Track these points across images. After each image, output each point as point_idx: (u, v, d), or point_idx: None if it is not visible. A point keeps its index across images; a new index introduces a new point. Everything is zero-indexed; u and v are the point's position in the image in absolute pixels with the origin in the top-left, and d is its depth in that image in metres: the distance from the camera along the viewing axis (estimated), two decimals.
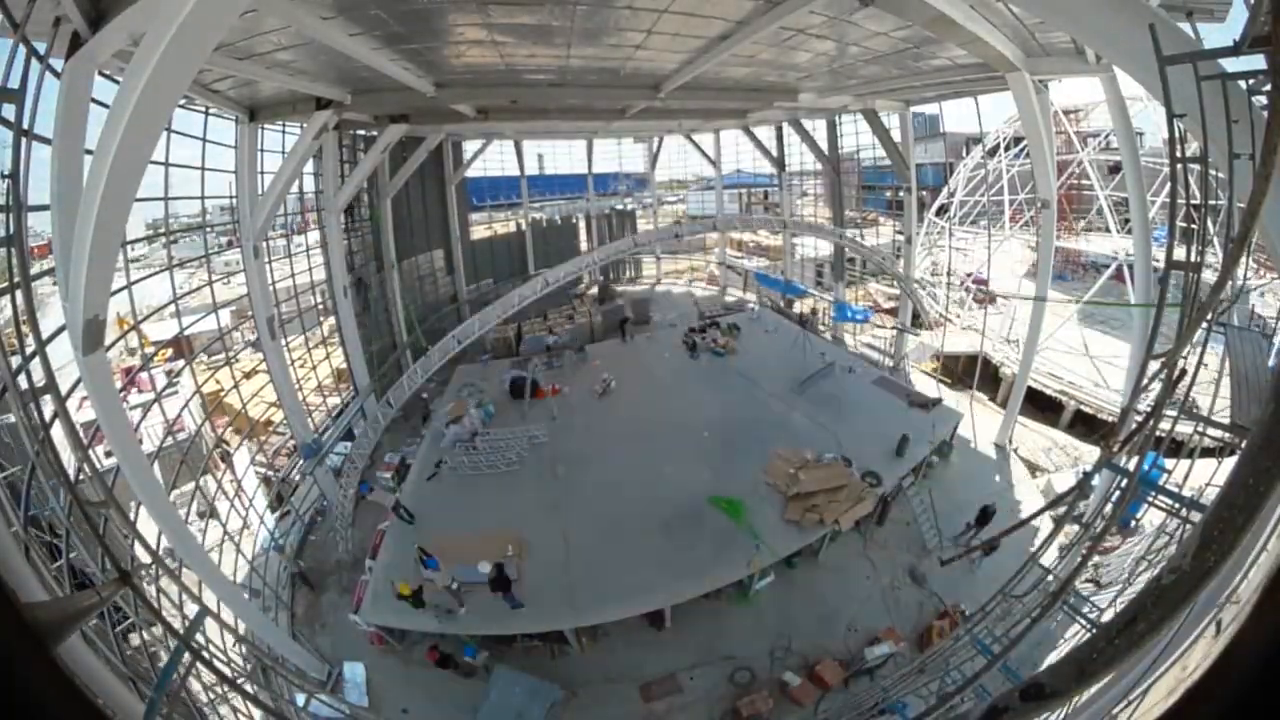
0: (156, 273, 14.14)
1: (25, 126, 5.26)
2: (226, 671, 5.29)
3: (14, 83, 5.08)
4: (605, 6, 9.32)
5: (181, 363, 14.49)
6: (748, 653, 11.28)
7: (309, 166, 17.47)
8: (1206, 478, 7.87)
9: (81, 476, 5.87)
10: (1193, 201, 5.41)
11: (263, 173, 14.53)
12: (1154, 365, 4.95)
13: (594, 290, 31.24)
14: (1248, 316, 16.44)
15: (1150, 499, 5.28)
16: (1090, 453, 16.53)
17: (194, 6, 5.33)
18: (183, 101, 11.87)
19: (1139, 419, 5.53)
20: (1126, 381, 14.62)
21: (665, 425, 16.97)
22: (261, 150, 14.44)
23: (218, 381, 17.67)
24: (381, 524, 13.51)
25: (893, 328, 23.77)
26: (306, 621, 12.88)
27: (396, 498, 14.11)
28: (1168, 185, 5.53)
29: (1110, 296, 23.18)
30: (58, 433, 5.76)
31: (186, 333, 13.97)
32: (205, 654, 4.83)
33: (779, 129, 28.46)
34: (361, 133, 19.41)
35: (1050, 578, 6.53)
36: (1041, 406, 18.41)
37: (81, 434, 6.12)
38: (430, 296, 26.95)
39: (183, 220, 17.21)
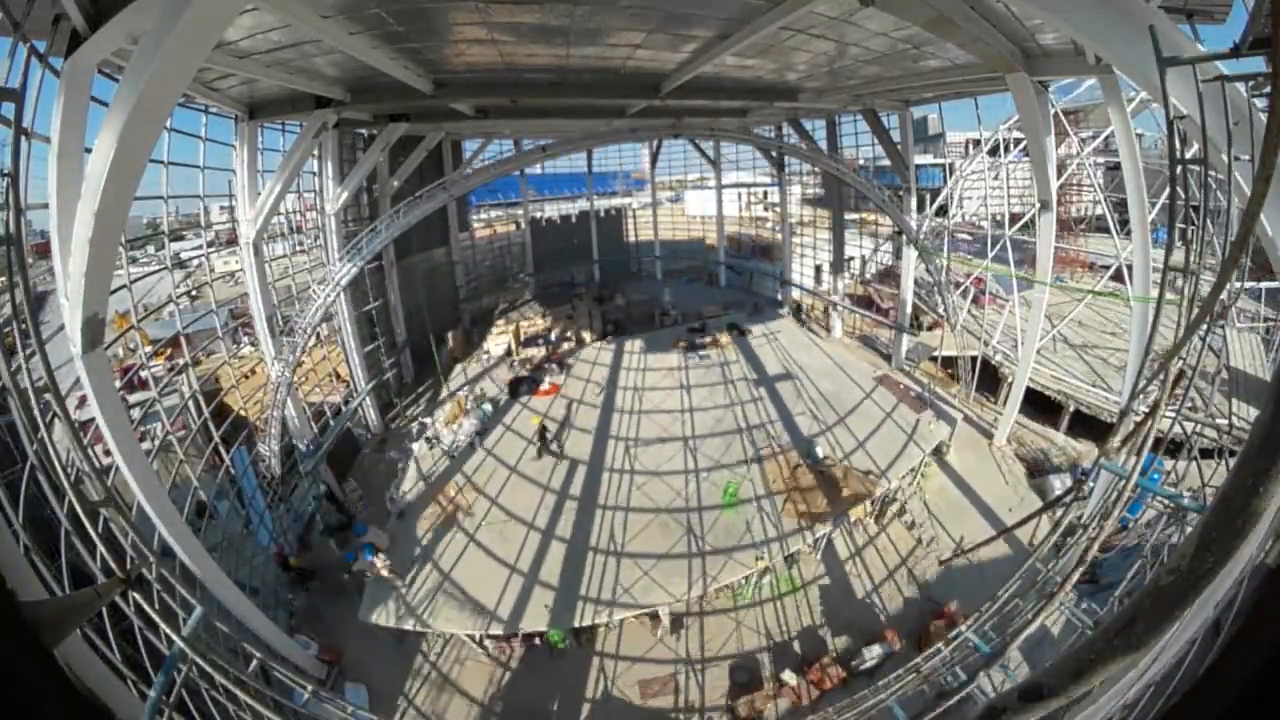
0: (155, 271, 14.14)
1: (24, 125, 5.25)
2: (226, 670, 5.29)
3: (13, 81, 5.07)
4: (605, 7, 9.31)
5: (180, 361, 14.41)
6: (746, 652, 11.30)
7: (309, 165, 17.45)
8: (1206, 478, 7.89)
9: (81, 475, 5.86)
10: (1192, 203, 5.42)
11: (262, 172, 14.52)
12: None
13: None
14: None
15: (1149, 499, 5.29)
16: (1089, 453, 16.57)
17: (194, 5, 5.32)
18: (181, 99, 11.87)
19: (1137, 419, 5.53)
20: (1125, 382, 14.64)
21: (663, 424, 16.99)
22: (261, 149, 14.44)
23: (217, 380, 17.66)
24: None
25: (892, 327, 23.79)
26: (306, 620, 12.87)
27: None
28: (1168, 187, 5.54)
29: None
30: (57, 431, 5.75)
31: (185, 331, 13.92)
32: (204, 653, 4.83)
33: (778, 129, 28.45)
34: (362, 132, 19.38)
35: (1048, 578, 6.54)
36: (1041, 408, 18.43)
37: (80, 433, 6.11)
38: (430, 295, 26.94)
39: (182, 217, 17.21)
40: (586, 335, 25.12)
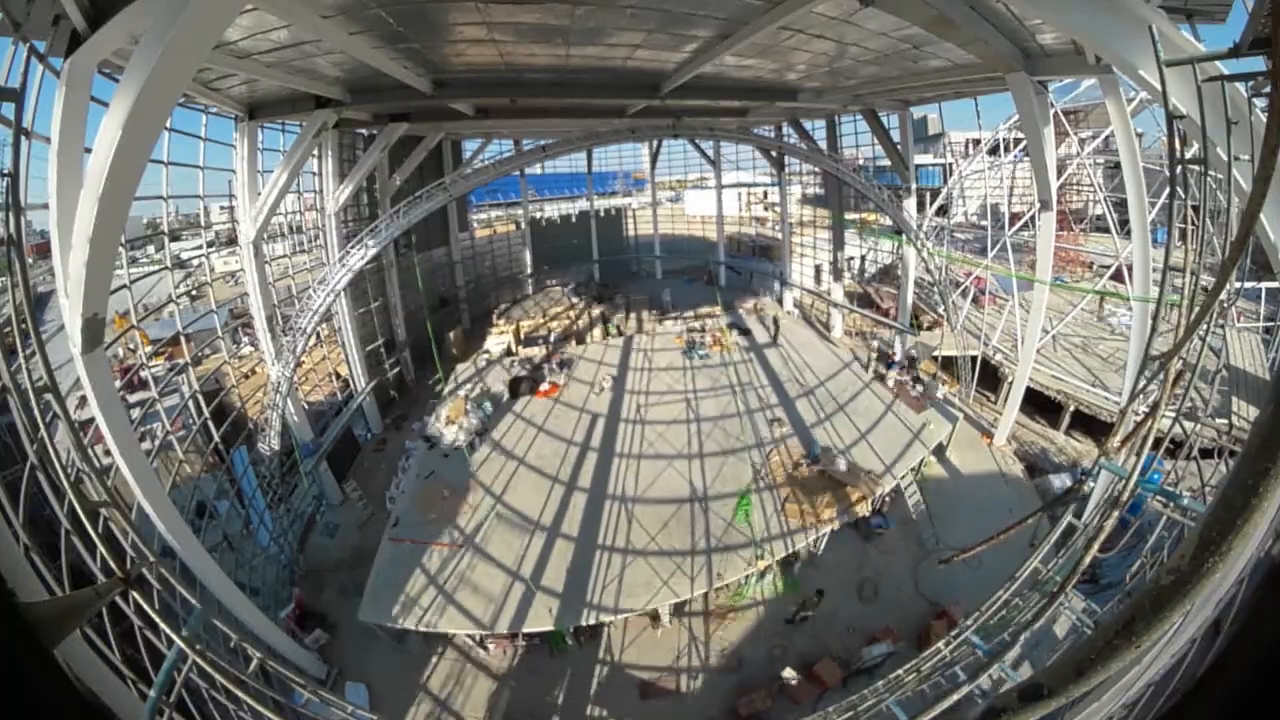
0: (155, 271, 14.15)
1: (24, 125, 5.25)
2: (226, 670, 5.29)
3: (14, 81, 5.07)
4: (605, 6, 9.31)
5: (180, 361, 14.43)
6: (746, 651, 11.30)
7: (309, 165, 17.46)
8: (1205, 478, 7.89)
9: (81, 475, 5.86)
10: (1192, 203, 5.42)
11: (262, 172, 14.53)
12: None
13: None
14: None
15: (1148, 499, 5.29)
16: (1089, 453, 16.58)
17: (194, 6, 5.32)
18: (181, 100, 11.87)
19: (1137, 419, 5.53)
20: (1125, 382, 14.65)
21: (664, 424, 17.00)
22: (261, 149, 14.44)
23: (216, 381, 17.66)
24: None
25: (891, 327, 23.79)
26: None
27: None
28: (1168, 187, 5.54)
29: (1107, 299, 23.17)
30: (57, 432, 5.75)
31: (185, 331, 13.93)
32: (204, 653, 4.82)
33: (778, 128, 28.46)
34: (362, 132, 19.39)
35: (1048, 578, 6.54)
36: (1042, 408, 18.43)
37: (80, 433, 6.11)
38: (430, 295, 26.96)
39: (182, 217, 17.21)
40: (586, 334, 25.14)
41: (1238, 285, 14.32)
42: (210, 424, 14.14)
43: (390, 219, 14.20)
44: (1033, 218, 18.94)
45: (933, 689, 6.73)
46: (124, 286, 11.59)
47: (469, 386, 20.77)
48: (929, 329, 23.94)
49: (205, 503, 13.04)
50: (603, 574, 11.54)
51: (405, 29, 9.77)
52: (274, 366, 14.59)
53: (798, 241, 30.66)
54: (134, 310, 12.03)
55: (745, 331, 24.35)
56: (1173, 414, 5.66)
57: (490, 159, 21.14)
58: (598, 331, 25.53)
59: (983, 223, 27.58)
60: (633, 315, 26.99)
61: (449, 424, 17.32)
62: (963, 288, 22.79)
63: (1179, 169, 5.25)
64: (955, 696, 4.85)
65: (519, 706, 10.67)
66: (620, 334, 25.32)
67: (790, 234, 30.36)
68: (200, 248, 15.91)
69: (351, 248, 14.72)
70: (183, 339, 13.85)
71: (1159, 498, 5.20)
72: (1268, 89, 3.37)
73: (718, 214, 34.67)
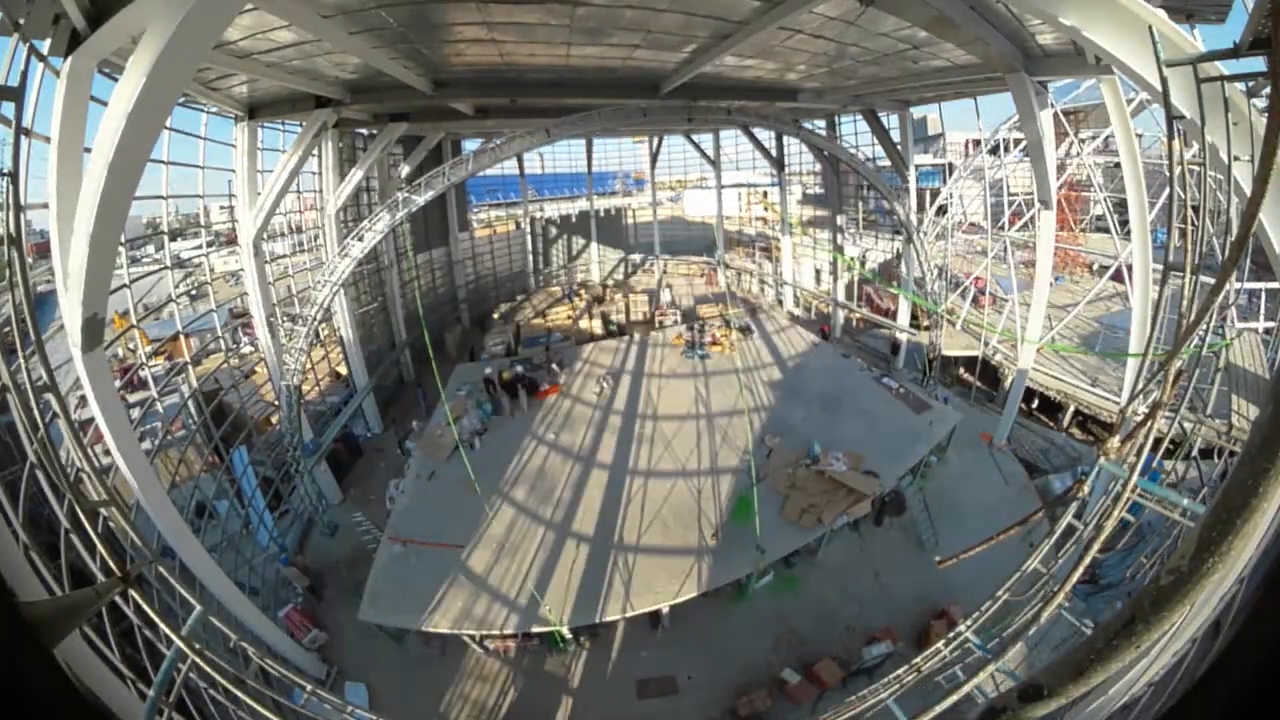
0: (154, 271, 14.15)
1: (24, 125, 5.25)
2: (225, 670, 5.29)
3: (13, 81, 5.07)
4: (606, 6, 9.31)
5: (180, 360, 14.42)
6: (746, 652, 11.30)
7: (309, 165, 17.45)
8: (1206, 478, 7.89)
9: (81, 475, 5.86)
10: (1192, 204, 5.42)
11: (262, 171, 14.52)
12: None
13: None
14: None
15: (1149, 500, 5.28)
16: (1089, 453, 16.58)
17: (194, 6, 5.32)
18: (181, 99, 11.87)
19: (1137, 419, 5.53)
20: (1125, 382, 14.65)
21: (664, 424, 17.00)
22: (261, 149, 14.44)
23: (216, 381, 17.65)
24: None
25: (891, 327, 23.77)
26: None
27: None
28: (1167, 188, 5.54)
29: (1107, 299, 23.19)
30: (57, 431, 5.75)
31: (185, 331, 13.92)
32: (204, 653, 4.82)
33: (779, 137, 28.47)
34: (362, 132, 19.38)
35: (1048, 578, 6.53)
36: (1042, 408, 18.44)
37: (80, 433, 6.11)
38: (429, 295, 27.00)
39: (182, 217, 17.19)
40: (586, 333, 25.16)
41: (1238, 285, 14.35)
42: (210, 424, 14.13)
43: (390, 208, 14.27)
44: (1032, 217, 18.93)
45: (933, 689, 6.73)
46: (124, 286, 11.59)
47: (468, 387, 20.74)
48: (928, 329, 23.93)
49: (205, 503, 13.03)
50: (603, 574, 11.52)
51: (406, 29, 9.78)
52: (273, 366, 14.56)
53: (797, 241, 30.68)
54: (134, 310, 12.03)
55: (745, 330, 24.34)
56: (1173, 414, 5.66)
57: (492, 146, 21.06)
58: (598, 330, 25.54)
59: (982, 222, 27.57)
60: (634, 314, 27.07)
61: (448, 424, 17.32)
62: (963, 288, 22.77)
63: (1179, 169, 5.26)
64: (955, 696, 4.84)
65: (518, 706, 10.68)
66: (621, 332, 25.31)
67: (790, 234, 30.38)
68: (200, 247, 15.91)
69: (350, 239, 14.76)
70: (182, 338, 13.84)
71: (1158, 498, 5.20)
72: (1267, 89, 3.37)
73: (718, 214, 34.66)
